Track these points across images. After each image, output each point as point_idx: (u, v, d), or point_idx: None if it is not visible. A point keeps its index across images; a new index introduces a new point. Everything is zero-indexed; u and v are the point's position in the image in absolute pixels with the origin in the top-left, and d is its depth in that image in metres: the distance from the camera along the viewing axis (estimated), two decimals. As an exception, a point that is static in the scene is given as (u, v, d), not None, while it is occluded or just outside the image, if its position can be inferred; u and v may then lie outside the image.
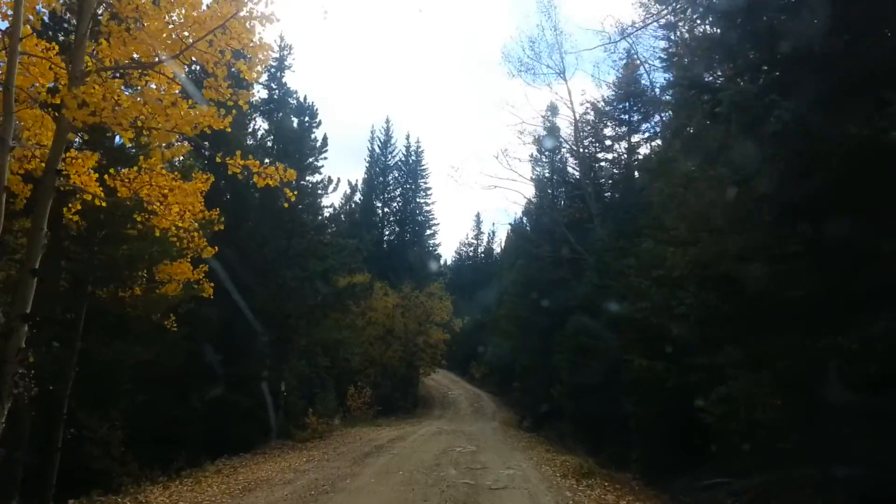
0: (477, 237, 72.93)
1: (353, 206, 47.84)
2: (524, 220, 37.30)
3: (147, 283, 12.94)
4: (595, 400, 17.91)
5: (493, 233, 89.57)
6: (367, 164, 48.76)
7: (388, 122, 55.57)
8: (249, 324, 16.85)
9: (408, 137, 69.13)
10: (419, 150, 48.20)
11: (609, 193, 27.19)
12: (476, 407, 39.23)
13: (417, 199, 47.83)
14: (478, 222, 77.70)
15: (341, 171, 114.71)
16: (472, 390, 45.24)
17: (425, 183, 48.17)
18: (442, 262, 50.69)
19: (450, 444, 18.21)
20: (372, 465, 13.36)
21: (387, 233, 47.42)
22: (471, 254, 72.60)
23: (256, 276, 17.41)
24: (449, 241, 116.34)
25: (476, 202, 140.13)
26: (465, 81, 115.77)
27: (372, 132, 49.75)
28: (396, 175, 48.46)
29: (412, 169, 48.05)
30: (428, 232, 47.12)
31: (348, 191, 46.11)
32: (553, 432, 27.85)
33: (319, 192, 20.41)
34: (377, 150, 48.32)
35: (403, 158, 48.39)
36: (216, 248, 10.77)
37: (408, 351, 37.34)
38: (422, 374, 39.96)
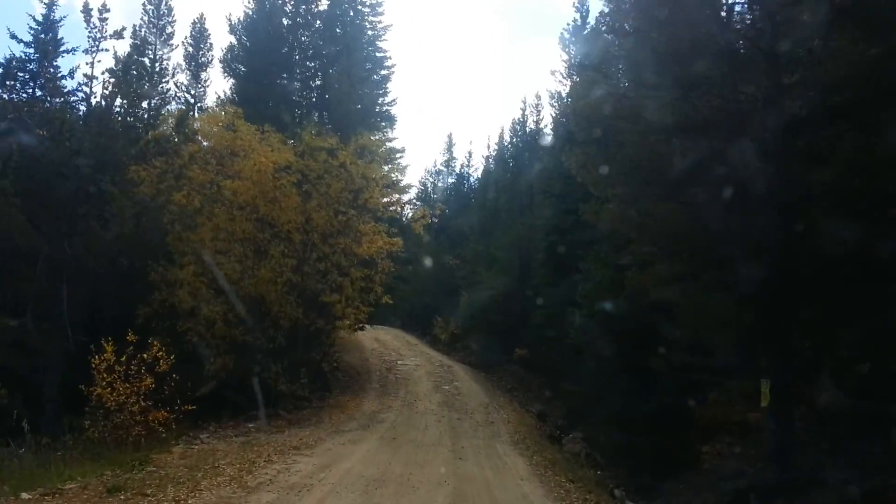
0: (448, 163, 54.44)
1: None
2: None
3: None
4: None
5: (470, 154, 71.05)
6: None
7: None
8: None
9: None
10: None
11: None
12: (449, 395, 19.54)
13: (358, 15, 25.56)
14: (450, 144, 58.38)
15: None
16: (438, 360, 25.75)
17: (372, -13, 26.05)
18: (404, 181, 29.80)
19: None
20: None
21: (298, 73, 25.85)
22: (439, 184, 55.19)
23: None
24: (414, 169, 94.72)
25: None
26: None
27: None
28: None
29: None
30: (375, 76, 25.48)
31: None
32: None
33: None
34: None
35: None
36: None
37: (311, 273, 16.52)
38: (341, 326, 18.87)
